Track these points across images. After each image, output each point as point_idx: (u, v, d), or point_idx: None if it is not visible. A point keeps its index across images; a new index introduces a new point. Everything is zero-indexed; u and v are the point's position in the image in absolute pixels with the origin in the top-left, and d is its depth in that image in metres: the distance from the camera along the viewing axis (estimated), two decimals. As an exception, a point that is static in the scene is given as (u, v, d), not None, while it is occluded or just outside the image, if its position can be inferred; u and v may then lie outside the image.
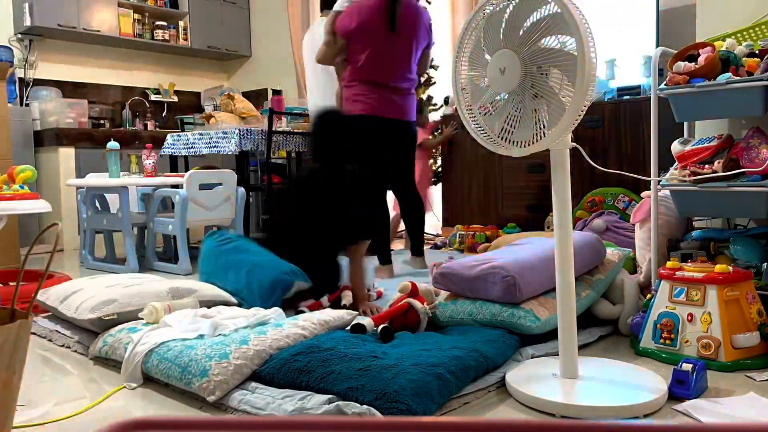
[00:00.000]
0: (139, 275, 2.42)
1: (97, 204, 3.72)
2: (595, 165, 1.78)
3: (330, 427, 0.42)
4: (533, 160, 3.56)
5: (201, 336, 1.68)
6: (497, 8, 1.41)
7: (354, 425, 0.41)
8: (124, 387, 1.60)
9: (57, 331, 2.06)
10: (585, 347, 1.82)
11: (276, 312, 1.89)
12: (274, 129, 3.96)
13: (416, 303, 1.88)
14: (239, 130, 3.84)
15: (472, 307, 1.85)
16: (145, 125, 5.60)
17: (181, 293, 2.07)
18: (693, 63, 2.00)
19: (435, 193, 4.43)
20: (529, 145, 1.41)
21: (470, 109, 1.50)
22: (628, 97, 3.33)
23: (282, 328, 1.67)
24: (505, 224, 3.75)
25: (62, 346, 1.98)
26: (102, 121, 5.37)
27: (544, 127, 1.38)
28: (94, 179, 3.66)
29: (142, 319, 1.89)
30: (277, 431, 0.42)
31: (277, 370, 1.48)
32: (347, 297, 2.33)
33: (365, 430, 0.41)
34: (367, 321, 1.81)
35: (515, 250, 2.05)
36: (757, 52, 1.97)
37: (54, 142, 4.53)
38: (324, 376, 1.41)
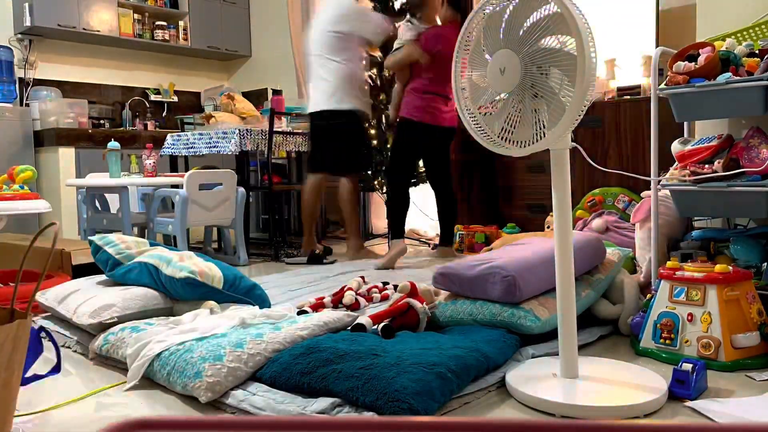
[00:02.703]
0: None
1: (97, 204, 3.72)
2: (595, 165, 1.78)
3: (330, 427, 0.42)
4: (533, 160, 3.56)
5: (222, 334, 1.68)
6: (497, 8, 1.41)
7: (354, 425, 0.41)
8: (120, 384, 1.60)
9: (57, 331, 2.06)
10: (585, 347, 1.82)
11: (288, 310, 1.91)
12: (274, 129, 3.96)
13: (416, 303, 1.88)
14: (239, 130, 3.85)
15: (472, 307, 1.85)
16: (145, 125, 5.61)
17: (181, 293, 2.07)
18: (693, 63, 2.00)
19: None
20: (529, 145, 1.41)
21: (470, 110, 1.50)
22: (628, 97, 3.33)
23: (279, 332, 1.67)
24: (505, 224, 3.75)
25: (62, 345, 1.98)
26: (102, 121, 5.37)
27: (544, 127, 1.38)
28: (95, 179, 3.66)
29: (143, 319, 1.90)
30: (277, 431, 0.42)
31: (279, 373, 1.48)
32: (348, 298, 2.33)
33: (365, 430, 0.41)
34: (366, 320, 1.81)
35: (515, 250, 2.05)
36: (757, 51, 1.97)
37: (54, 142, 4.54)
38: (325, 376, 1.41)
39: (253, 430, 0.41)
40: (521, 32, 1.38)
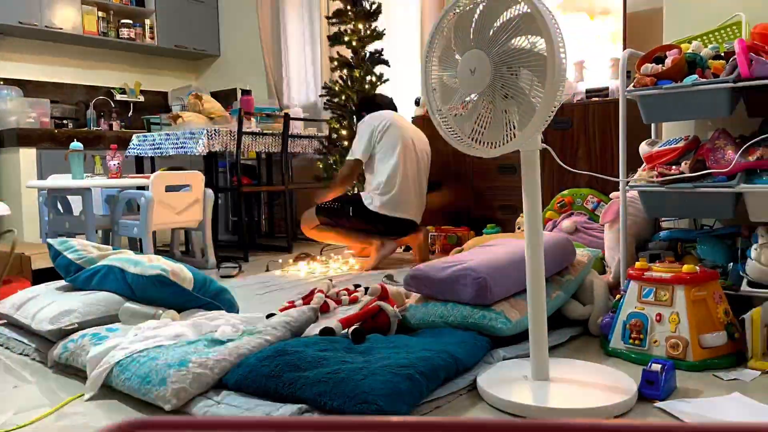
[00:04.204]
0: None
1: (60, 206, 3.62)
2: (565, 166, 1.78)
3: (323, 426, 0.42)
4: (504, 162, 3.57)
5: (188, 342, 1.63)
6: (467, 8, 1.40)
7: (343, 425, 0.41)
8: (82, 395, 1.55)
9: (14, 338, 1.98)
10: (555, 348, 1.82)
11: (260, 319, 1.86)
12: (243, 129, 3.90)
13: (386, 305, 1.86)
14: (207, 130, 3.78)
15: (443, 309, 1.84)
16: (110, 125, 5.48)
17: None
18: (660, 65, 2.01)
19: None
20: (499, 146, 1.39)
21: (440, 111, 1.48)
22: (596, 98, 3.36)
23: (243, 338, 1.63)
24: (477, 225, 3.75)
25: (20, 353, 1.91)
26: (65, 121, 5.24)
27: (514, 128, 1.37)
28: (56, 180, 3.56)
29: (105, 325, 1.84)
30: (272, 430, 0.41)
31: (244, 376, 1.44)
32: (317, 300, 2.30)
33: (352, 429, 0.41)
34: (335, 324, 1.78)
35: (486, 251, 2.04)
36: (722, 54, 2.00)
37: (15, 142, 4.40)
38: (292, 381, 1.38)
39: (249, 429, 0.41)
40: (491, 32, 1.36)
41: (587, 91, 3.43)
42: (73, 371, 1.72)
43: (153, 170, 4.30)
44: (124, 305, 1.90)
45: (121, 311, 1.88)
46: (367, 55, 4.11)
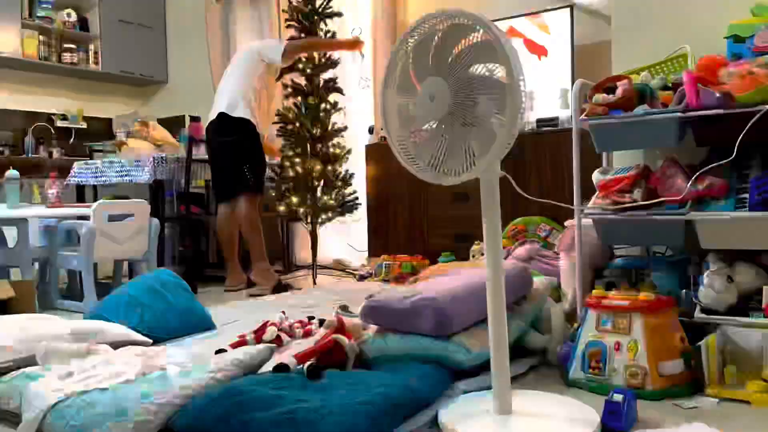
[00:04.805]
0: (36, 315, 2.21)
1: (-7, 237, 3.41)
2: (524, 194, 1.78)
3: None
4: (458, 190, 3.58)
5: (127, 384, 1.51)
6: (426, 35, 1.38)
7: None
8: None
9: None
10: (516, 378, 1.79)
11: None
12: (192, 157, 3.80)
13: (343, 339, 1.79)
14: (153, 158, 3.66)
15: (402, 341, 1.78)
16: (50, 153, 5.26)
17: (83, 334, 1.89)
18: (611, 95, 2.05)
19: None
20: (459, 174, 1.37)
21: (400, 137, 1.45)
22: (547, 128, 3.41)
23: (188, 377, 1.51)
24: (432, 254, 3.73)
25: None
26: (1, 149, 5.00)
27: (473, 155, 1.35)
28: (-10, 210, 3.36)
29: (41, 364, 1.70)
30: None
31: (194, 418, 1.35)
32: (270, 333, 2.21)
33: None
34: (289, 360, 1.70)
35: (445, 281, 2.01)
36: (670, 85, 2.04)
37: (-55, 169, 4.16)
38: (246, 423, 1.29)
39: None
40: (450, 59, 1.35)
41: (538, 121, 3.49)
42: (2, 416, 1.58)
43: (95, 199, 4.13)
44: (41, 344, 1.73)
45: (39, 351, 1.72)
46: (321, 82, 4.08)
